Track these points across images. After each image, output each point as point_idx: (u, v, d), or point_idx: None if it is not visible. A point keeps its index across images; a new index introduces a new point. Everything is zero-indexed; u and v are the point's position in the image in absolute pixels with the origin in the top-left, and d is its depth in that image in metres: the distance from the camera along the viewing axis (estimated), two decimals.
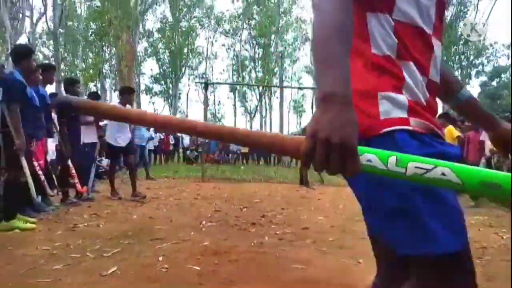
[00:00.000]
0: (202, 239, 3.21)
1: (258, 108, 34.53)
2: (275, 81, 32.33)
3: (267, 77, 31.80)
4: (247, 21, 32.34)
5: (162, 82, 33.14)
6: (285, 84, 33.19)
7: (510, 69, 14.27)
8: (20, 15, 21.13)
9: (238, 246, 3.02)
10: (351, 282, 2.26)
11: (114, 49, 20.65)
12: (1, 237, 3.09)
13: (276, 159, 18.10)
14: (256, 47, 33.11)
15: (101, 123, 6.32)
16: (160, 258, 2.61)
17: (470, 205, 5.46)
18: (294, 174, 8.88)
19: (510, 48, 19.71)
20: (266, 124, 33.72)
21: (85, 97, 10.10)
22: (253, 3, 31.18)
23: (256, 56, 33.35)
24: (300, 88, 37.74)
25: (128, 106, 5.49)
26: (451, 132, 5.95)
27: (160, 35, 31.28)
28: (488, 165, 6.34)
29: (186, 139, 17.31)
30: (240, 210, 4.82)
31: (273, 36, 31.58)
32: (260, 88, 32.59)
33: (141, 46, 29.68)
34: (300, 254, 2.83)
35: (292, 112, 38.42)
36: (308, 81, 35.68)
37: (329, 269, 2.50)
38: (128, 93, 5.96)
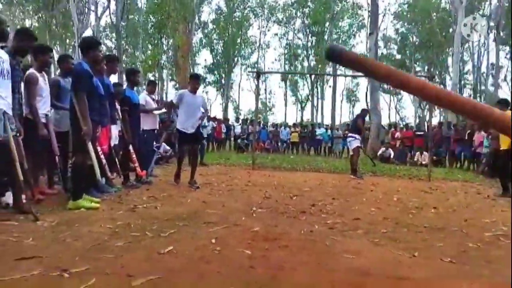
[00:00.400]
0: (253, 224, 3.27)
1: (310, 97, 34.05)
2: (328, 69, 31.62)
3: (319, 65, 31.20)
4: (300, 9, 31.81)
5: (215, 72, 33.83)
6: (338, 72, 32.35)
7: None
8: (86, 10, 22.58)
9: (288, 233, 3.05)
10: (404, 275, 2.19)
11: (171, 40, 21.39)
12: (69, 215, 3.36)
13: (327, 150, 17.81)
14: (310, 35, 32.53)
15: (156, 112, 6.61)
16: (213, 241, 2.71)
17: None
18: (344, 165, 8.70)
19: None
20: (317, 113, 33.19)
21: (144, 86, 10.63)
22: None
23: (309, 44, 32.81)
24: (354, 77, 36.58)
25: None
26: None
27: (214, 26, 31.83)
28: None
29: (238, 128, 17.58)
30: (290, 198, 4.84)
31: (327, 24, 30.81)
32: (312, 77, 32.08)
33: (196, 37, 30.44)
34: (351, 244, 2.79)
35: (345, 101, 37.49)
36: None
37: (381, 261, 2.44)
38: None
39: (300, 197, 4.95)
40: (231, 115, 30.53)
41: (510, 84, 28.17)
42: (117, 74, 5.93)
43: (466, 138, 11.76)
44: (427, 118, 24.61)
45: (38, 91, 3.97)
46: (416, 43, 31.22)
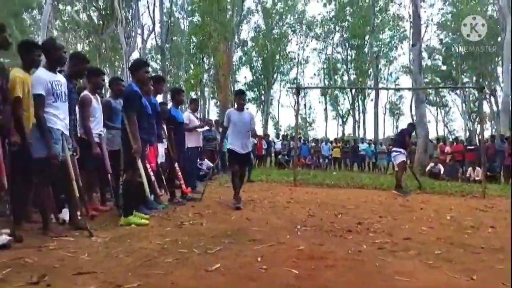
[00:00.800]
0: (298, 242, 3.23)
1: (351, 111, 33.47)
2: (369, 83, 31.03)
3: (360, 79, 30.70)
4: (339, 24, 31.69)
5: (255, 88, 34.28)
6: (380, 85, 31.64)
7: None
8: (133, 33, 23.92)
9: (334, 252, 2.97)
10: None
11: (212, 59, 22.04)
12: (121, 231, 3.50)
13: (371, 165, 17.31)
14: (349, 49, 32.21)
15: (199, 130, 6.79)
16: (259, 259, 2.70)
17: None
18: (390, 181, 8.38)
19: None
20: (359, 128, 32.48)
21: (187, 104, 10.97)
22: (346, 4, 30.44)
23: (349, 58, 32.46)
24: (397, 90, 35.62)
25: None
26: None
27: (253, 44, 32.44)
28: None
29: (278, 144, 17.58)
30: (335, 216, 4.73)
31: (367, 37, 30.39)
32: (353, 90, 31.58)
33: (236, 55, 31.15)
34: (403, 266, 2.67)
35: (388, 115, 36.46)
36: (406, 81, 33.55)
37: (437, 284, 2.31)
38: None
39: (345, 215, 4.82)
40: (271, 131, 30.68)
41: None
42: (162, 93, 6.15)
43: None
44: (478, 131, 23.36)
45: (92, 112, 4.22)
46: (462, 53, 29.91)
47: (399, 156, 7.66)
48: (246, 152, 5.38)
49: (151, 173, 4.43)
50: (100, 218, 4.02)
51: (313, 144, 18.72)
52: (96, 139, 4.21)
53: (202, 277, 2.29)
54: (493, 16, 26.70)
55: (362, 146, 17.51)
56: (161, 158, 5.13)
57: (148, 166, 4.43)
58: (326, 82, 33.67)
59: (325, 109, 35.37)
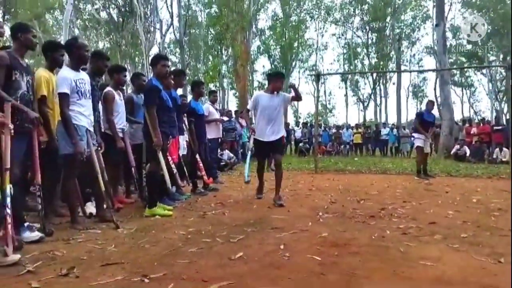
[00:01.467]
0: (320, 230, 3.23)
1: (372, 96, 32.82)
2: (391, 65, 30.25)
3: (381, 62, 29.98)
4: (359, 7, 30.90)
5: None
6: (402, 68, 30.81)
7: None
8: (152, 29, 24.13)
9: (357, 238, 2.96)
10: (491, 283, 2.01)
11: (230, 50, 22.01)
12: (146, 222, 3.60)
13: (394, 150, 16.99)
14: (370, 32, 31.43)
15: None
16: (281, 246, 2.71)
17: None
18: (413, 165, 8.22)
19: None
20: (381, 112, 31.85)
21: (207, 96, 11.04)
22: None
23: (369, 42, 31.69)
24: (420, 72, 34.58)
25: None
26: None
27: (271, 32, 32.12)
28: None
29: (298, 132, 17.49)
30: (357, 202, 4.69)
31: (388, 18, 29.54)
32: (374, 75, 30.90)
33: (254, 45, 30.96)
34: (428, 251, 2.63)
35: (411, 97, 35.55)
36: (429, 62, 32.53)
37: (464, 268, 2.26)
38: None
39: (368, 201, 4.78)
40: (291, 119, 30.49)
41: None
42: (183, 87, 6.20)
43: None
44: (505, 110, 22.43)
45: (115, 108, 4.31)
46: (489, 30, 28.65)
47: (416, 141, 7.55)
48: (278, 138, 4.74)
49: (173, 165, 4.51)
50: (125, 210, 4.13)
51: (334, 130, 18.52)
52: (120, 134, 4.31)
53: (225, 266, 2.33)
54: None
55: (384, 131, 17.19)
56: (182, 150, 5.20)
57: (170, 158, 4.50)
58: (346, 68, 33.08)
59: (346, 95, 34.85)
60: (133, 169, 4.48)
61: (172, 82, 4.63)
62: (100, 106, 4.22)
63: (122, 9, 24.37)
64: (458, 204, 4.47)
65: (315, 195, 5.23)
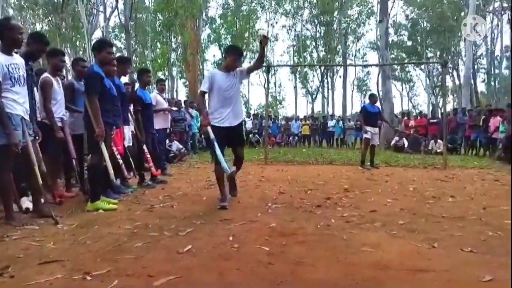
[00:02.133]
0: (269, 220, 3.28)
1: (320, 88, 33.80)
2: (338, 59, 31.29)
3: (329, 56, 30.90)
4: (308, 0, 31.48)
5: None
6: (348, 62, 32.01)
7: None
8: (95, 11, 22.77)
9: (304, 228, 3.05)
10: (425, 267, 2.17)
11: (180, 38, 21.43)
12: (88, 217, 3.43)
13: (340, 141, 17.70)
14: (318, 25, 32.20)
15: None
16: (230, 238, 2.72)
17: None
18: (358, 156, 8.63)
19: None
20: (328, 105, 32.95)
21: (154, 85, 10.71)
22: None
23: (318, 35, 32.49)
24: (364, 66, 36.19)
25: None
26: None
27: (222, 21, 31.74)
28: None
29: (249, 123, 17.58)
30: (305, 192, 4.83)
31: (335, 13, 30.44)
32: (322, 68, 31.81)
33: (204, 33, 30.43)
34: (369, 237, 2.78)
35: (356, 91, 37.12)
36: (373, 57, 34.07)
37: (401, 253, 2.42)
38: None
39: (315, 191, 4.93)
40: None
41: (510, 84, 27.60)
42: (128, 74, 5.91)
43: (481, 123, 11.54)
44: (441, 104, 24.25)
45: (53, 95, 4.03)
46: (427, 28, 30.63)
47: (364, 134, 7.92)
48: (239, 124, 4.12)
49: (118, 157, 4.33)
50: (65, 205, 3.91)
51: (283, 122, 18.86)
52: (59, 123, 4.05)
53: (173, 260, 2.29)
54: None
55: (331, 123, 17.82)
56: (128, 141, 5.01)
57: (114, 149, 4.32)
58: (296, 60, 33.65)
59: (295, 87, 35.54)
60: (74, 161, 4.24)
61: (115, 69, 4.40)
62: (37, 94, 3.93)
63: None
64: (396, 193, 4.76)
65: (265, 186, 5.31)
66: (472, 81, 24.68)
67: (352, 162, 9.04)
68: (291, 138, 17.77)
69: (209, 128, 3.94)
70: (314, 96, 35.12)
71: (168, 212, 3.64)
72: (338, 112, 29.83)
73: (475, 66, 28.26)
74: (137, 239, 2.70)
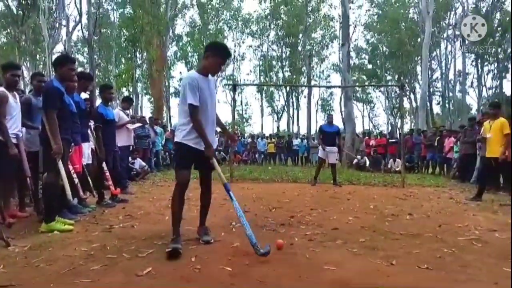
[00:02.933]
0: (233, 240, 3.26)
1: (285, 108, 34.43)
2: (303, 80, 32.13)
3: (294, 76, 31.67)
4: (274, 22, 32.33)
5: None
6: (312, 83, 32.96)
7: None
8: (57, 25, 22.11)
9: None
10: (384, 284, 2.23)
11: (145, 54, 21.21)
12: (42, 238, 3.25)
13: (304, 160, 17.98)
14: (284, 46, 33.05)
15: (130, 127, 6.53)
16: (193, 259, 2.67)
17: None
18: (321, 175, 8.79)
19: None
20: (293, 123, 33.56)
21: (118, 102, 10.48)
22: (280, 3, 31.11)
23: (284, 56, 33.30)
24: (327, 87, 37.37)
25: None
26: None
27: (189, 39, 31.83)
28: None
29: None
30: (269, 210, 4.84)
31: (300, 35, 31.43)
32: (288, 88, 32.51)
33: (171, 50, 30.31)
34: (331, 255, 2.82)
35: (320, 111, 38.09)
36: (336, 79, 35.33)
37: (361, 271, 2.47)
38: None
39: (279, 209, 4.96)
40: None
41: (476, 90, 29.79)
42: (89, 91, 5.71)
43: (436, 143, 12.14)
44: (399, 125, 25.42)
45: (8, 110, 3.85)
46: (386, 53, 32.27)
47: (318, 153, 8.49)
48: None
49: (75, 176, 4.16)
50: (18, 226, 3.68)
51: (249, 140, 18.95)
52: (14, 140, 3.85)
53: (132, 283, 2.21)
54: (414, 18, 29.15)
55: (296, 142, 18.12)
56: (87, 159, 4.83)
57: (71, 168, 4.15)
58: (262, 79, 34.18)
59: (261, 106, 35.98)
60: (28, 179, 4.02)
61: (76, 85, 4.27)
62: None
63: (23, 1, 21.91)
64: (357, 211, 4.88)
65: (229, 205, 5.19)
66: (428, 103, 26.14)
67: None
68: (257, 155, 17.85)
69: (216, 164, 3.30)
70: (279, 115, 35.70)
71: (128, 232, 3.52)
72: (303, 131, 30.45)
73: (431, 89, 30.02)
74: (93, 262, 2.58)
